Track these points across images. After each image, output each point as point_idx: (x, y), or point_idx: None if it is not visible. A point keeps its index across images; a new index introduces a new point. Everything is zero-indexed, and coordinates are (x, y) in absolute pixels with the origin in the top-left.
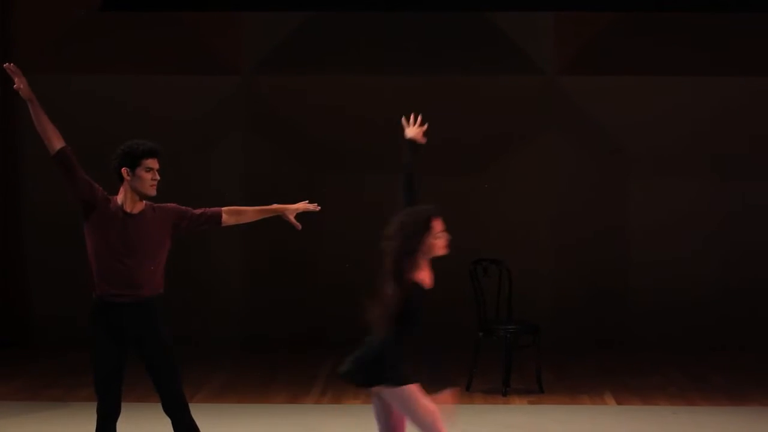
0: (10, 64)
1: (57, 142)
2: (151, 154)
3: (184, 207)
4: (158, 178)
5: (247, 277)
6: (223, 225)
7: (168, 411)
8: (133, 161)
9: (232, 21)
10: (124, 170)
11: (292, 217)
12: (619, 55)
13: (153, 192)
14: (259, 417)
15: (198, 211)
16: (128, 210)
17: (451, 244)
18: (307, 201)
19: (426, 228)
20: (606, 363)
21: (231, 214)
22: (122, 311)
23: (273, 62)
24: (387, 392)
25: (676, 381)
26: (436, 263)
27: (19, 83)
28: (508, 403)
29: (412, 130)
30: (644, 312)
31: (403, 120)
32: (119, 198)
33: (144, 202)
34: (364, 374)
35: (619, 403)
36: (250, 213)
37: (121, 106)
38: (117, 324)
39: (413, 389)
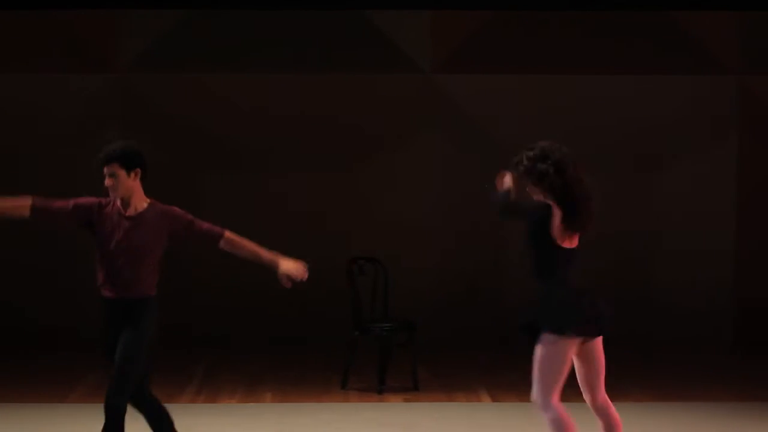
0: None
1: (23, 208)
2: (101, 162)
3: (188, 217)
4: (111, 183)
5: None
6: (219, 248)
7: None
8: (99, 169)
9: (107, 19)
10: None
11: (281, 274)
12: (497, 53)
13: (114, 196)
14: (133, 417)
15: (203, 227)
16: (124, 212)
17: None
18: (300, 264)
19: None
20: (482, 360)
21: (228, 243)
22: (113, 309)
23: (148, 60)
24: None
25: None
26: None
27: None
28: (383, 401)
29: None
30: (520, 308)
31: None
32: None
33: (146, 203)
34: (595, 326)
35: (494, 399)
36: (246, 251)
37: None
38: (110, 321)
39: None
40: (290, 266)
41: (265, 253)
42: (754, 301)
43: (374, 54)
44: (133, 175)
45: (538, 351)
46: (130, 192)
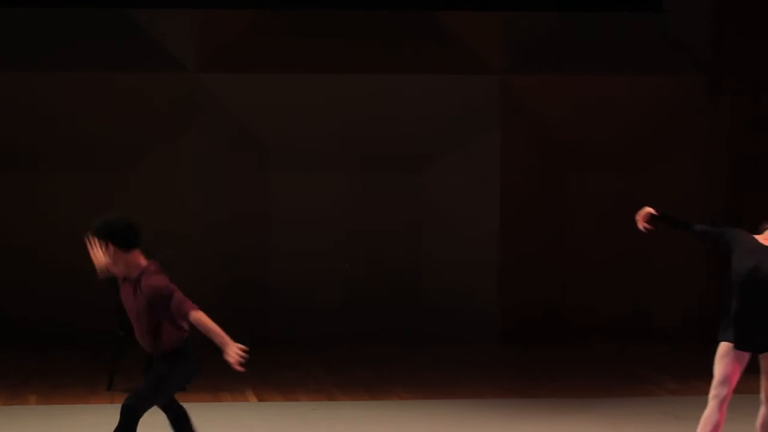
0: None
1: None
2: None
3: (162, 291)
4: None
5: None
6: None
7: None
8: None
9: None
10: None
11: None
12: (262, 52)
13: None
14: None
15: (175, 303)
16: (125, 274)
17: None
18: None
19: None
20: (248, 359)
21: (195, 322)
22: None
23: None
24: None
25: (317, 376)
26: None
27: None
28: None
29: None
30: (285, 307)
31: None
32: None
33: (141, 268)
34: None
35: (260, 399)
36: (206, 332)
37: None
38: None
39: None
40: (230, 353)
41: (218, 336)
42: (518, 299)
43: (138, 52)
44: (112, 248)
45: None
46: (120, 264)
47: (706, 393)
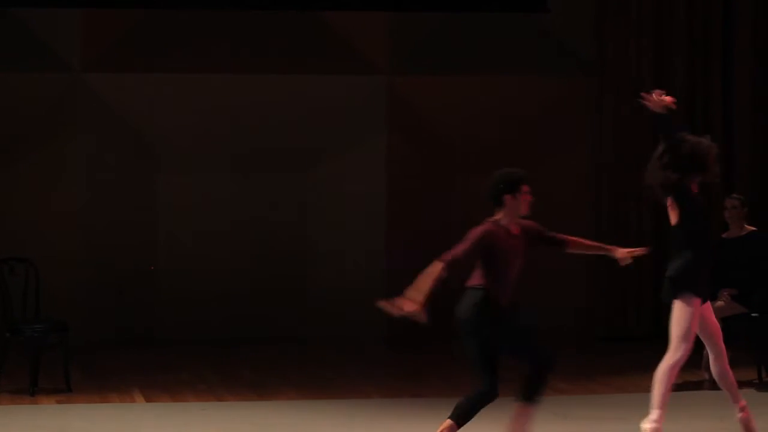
0: None
1: (439, 274)
2: (526, 179)
3: (541, 226)
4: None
5: None
6: (566, 252)
7: None
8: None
9: None
10: (507, 196)
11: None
12: (148, 52)
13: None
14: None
15: (551, 233)
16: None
17: None
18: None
19: None
20: (136, 360)
21: (574, 245)
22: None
23: None
24: None
25: (205, 377)
26: None
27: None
28: (35, 403)
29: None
30: (171, 308)
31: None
32: (502, 221)
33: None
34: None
35: (147, 400)
36: (587, 247)
37: None
38: None
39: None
40: (624, 252)
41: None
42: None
43: (20, 52)
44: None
45: None
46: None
47: (596, 392)
